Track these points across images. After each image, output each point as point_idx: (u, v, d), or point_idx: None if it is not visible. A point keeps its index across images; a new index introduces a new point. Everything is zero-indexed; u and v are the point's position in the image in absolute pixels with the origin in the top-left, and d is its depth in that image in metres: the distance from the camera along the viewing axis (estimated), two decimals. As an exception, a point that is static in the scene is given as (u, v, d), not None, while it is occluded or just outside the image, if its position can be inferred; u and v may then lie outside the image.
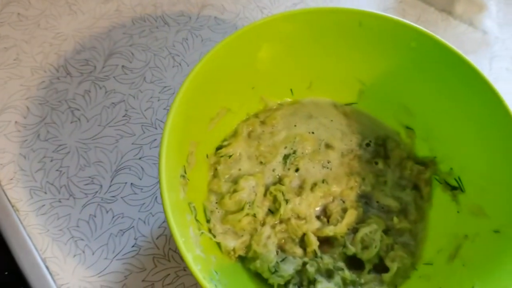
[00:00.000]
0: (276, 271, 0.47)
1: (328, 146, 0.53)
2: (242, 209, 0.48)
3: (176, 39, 0.64)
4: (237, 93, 0.52)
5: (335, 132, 0.55)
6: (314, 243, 0.48)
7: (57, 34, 0.63)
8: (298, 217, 0.49)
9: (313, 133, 0.54)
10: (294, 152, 0.53)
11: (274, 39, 0.49)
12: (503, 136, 0.46)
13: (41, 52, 0.61)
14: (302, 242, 0.49)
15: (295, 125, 0.55)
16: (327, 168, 0.52)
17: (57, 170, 0.55)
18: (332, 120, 0.55)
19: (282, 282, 0.47)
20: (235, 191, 0.49)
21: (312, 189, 0.51)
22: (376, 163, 0.53)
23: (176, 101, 0.42)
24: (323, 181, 0.51)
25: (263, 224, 0.49)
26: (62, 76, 0.60)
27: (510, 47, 0.69)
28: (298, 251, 0.49)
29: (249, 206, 0.49)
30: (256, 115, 0.55)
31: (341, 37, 0.50)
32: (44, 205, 0.53)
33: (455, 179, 0.50)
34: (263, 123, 0.55)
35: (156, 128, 0.57)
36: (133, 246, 0.51)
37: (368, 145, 0.54)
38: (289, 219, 0.49)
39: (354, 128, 0.55)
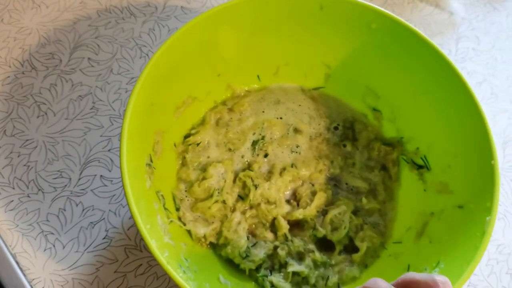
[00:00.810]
0: (247, 256, 0.47)
1: (296, 130, 0.54)
2: (211, 196, 0.48)
3: (142, 30, 0.63)
4: (203, 80, 0.52)
5: (303, 117, 0.55)
6: (284, 227, 0.49)
7: (21, 28, 0.62)
8: (268, 202, 0.50)
9: (281, 118, 0.54)
10: (263, 138, 0.53)
11: (235, 24, 0.49)
12: (465, 114, 0.47)
13: (5, 47, 0.60)
14: (273, 226, 0.50)
15: (263, 111, 0.55)
16: (296, 152, 0.53)
17: (24, 165, 0.54)
18: (300, 105, 0.56)
19: (253, 267, 0.47)
20: (204, 178, 0.49)
21: (281, 173, 0.51)
22: (345, 146, 0.54)
23: (136, 89, 0.42)
24: (292, 165, 0.52)
25: (233, 210, 0.49)
26: (27, 70, 0.59)
27: (476, 27, 0.70)
28: (269, 235, 0.49)
29: (218, 193, 0.49)
30: (223, 103, 0.55)
31: (304, 21, 0.50)
32: (12, 200, 0.52)
33: (421, 158, 0.51)
34: (231, 110, 0.55)
35: (124, 120, 0.57)
36: (104, 238, 0.51)
37: (336, 128, 0.55)
38: (259, 204, 0.49)
39: (322, 112, 0.55)
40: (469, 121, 0.46)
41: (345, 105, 0.56)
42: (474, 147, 0.45)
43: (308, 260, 0.47)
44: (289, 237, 0.49)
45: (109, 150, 0.55)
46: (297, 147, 0.53)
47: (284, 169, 0.51)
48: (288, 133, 0.54)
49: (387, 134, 0.54)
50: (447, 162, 0.48)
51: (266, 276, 0.47)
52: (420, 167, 0.51)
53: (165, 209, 0.47)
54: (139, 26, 0.63)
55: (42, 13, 0.63)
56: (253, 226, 0.50)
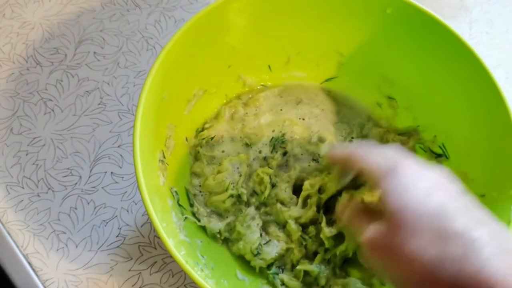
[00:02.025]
0: (258, 253, 0.46)
1: (320, 139, 0.52)
2: (226, 190, 0.47)
3: (148, 21, 0.62)
4: (213, 72, 0.50)
5: (328, 125, 0.53)
6: (295, 232, 0.47)
7: (24, 23, 0.60)
8: (282, 203, 0.48)
9: (303, 119, 0.53)
10: (283, 135, 0.51)
11: (245, 13, 0.48)
12: (485, 99, 0.45)
13: (8, 42, 0.59)
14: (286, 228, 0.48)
15: (281, 109, 0.53)
16: (317, 162, 0.50)
17: (33, 163, 0.53)
18: (323, 109, 0.54)
19: (264, 265, 0.46)
20: (218, 172, 0.48)
21: (299, 177, 0.50)
22: None
23: (146, 84, 0.40)
24: (312, 173, 0.50)
25: (248, 205, 0.48)
26: (31, 66, 0.58)
27: (489, 10, 0.68)
28: (282, 235, 0.48)
29: (233, 186, 0.48)
30: (238, 97, 0.54)
31: (316, 8, 0.49)
32: (22, 200, 0.51)
33: (439, 146, 0.50)
34: (246, 104, 0.53)
35: (133, 115, 0.55)
36: (117, 236, 0.50)
37: (350, 141, 0.53)
38: (273, 203, 0.48)
39: (342, 116, 0.54)
40: (490, 106, 0.45)
41: (360, 105, 0.55)
42: (495, 133, 0.44)
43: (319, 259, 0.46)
44: (306, 238, 0.47)
45: (119, 146, 0.54)
46: (319, 156, 0.51)
47: (303, 172, 0.50)
48: (311, 140, 0.51)
49: (403, 123, 0.53)
50: (467, 150, 0.47)
51: (277, 274, 0.46)
52: (438, 155, 0.50)
53: (179, 205, 0.46)
54: (145, 17, 0.62)
55: (45, 7, 0.61)
56: (267, 223, 0.48)
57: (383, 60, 0.52)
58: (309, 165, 0.50)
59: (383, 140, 0.52)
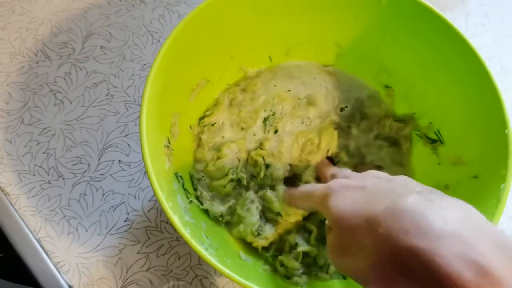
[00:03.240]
0: (259, 234, 0.48)
1: (310, 102, 0.53)
2: (226, 175, 0.49)
3: (153, 16, 0.64)
4: (216, 63, 0.52)
5: (319, 89, 0.54)
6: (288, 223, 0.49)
7: (33, 18, 0.63)
8: (273, 188, 0.50)
9: (289, 90, 0.54)
10: (273, 114, 0.53)
11: (246, 5, 0.49)
12: (479, 87, 0.47)
13: (18, 37, 0.61)
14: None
15: (274, 86, 0.55)
16: (305, 124, 0.52)
17: (44, 152, 0.55)
18: (314, 78, 0.55)
19: (266, 244, 0.48)
20: (218, 158, 0.50)
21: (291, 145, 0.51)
22: (349, 127, 0.54)
23: (151, 73, 0.42)
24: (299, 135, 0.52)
25: (247, 189, 0.50)
26: (41, 60, 0.60)
27: (485, 2, 0.69)
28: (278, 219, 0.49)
29: (233, 171, 0.50)
30: (236, 84, 0.56)
31: (314, 0, 0.50)
32: (34, 187, 0.53)
33: (435, 132, 0.51)
34: (244, 90, 0.55)
35: (139, 105, 0.58)
36: (125, 221, 0.52)
37: (342, 109, 0.54)
38: (267, 184, 0.50)
39: (337, 86, 0.55)
40: (482, 92, 0.46)
41: (360, 82, 0.56)
42: (487, 118, 0.46)
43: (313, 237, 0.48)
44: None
45: (125, 136, 0.56)
46: (308, 119, 0.52)
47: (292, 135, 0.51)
48: (299, 105, 0.53)
49: (399, 111, 0.55)
50: (461, 135, 0.49)
51: (276, 256, 0.48)
52: (433, 141, 0.51)
53: (184, 189, 0.48)
54: (150, 12, 0.64)
55: (53, 3, 0.64)
56: (264, 208, 0.50)
57: (380, 50, 0.53)
58: (298, 128, 0.52)
59: (380, 123, 0.54)
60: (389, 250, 0.29)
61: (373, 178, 0.38)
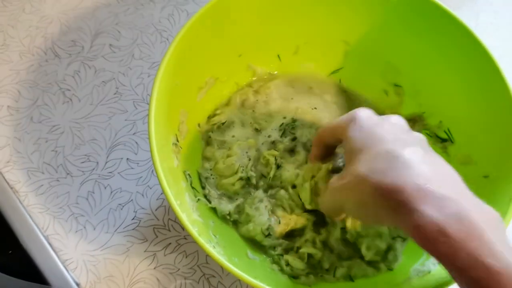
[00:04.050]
0: (270, 234, 0.47)
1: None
2: (235, 173, 0.49)
3: (162, 15, 0.64)
4: (224, 61, 0.52)
5: (337, 112, 0.55)
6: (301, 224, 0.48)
7: (42, 17, 0.63)
8: (285, 189, 0.49)
9: (315, 108, 0.55)
10: (294, 122, 0.53)
11: (254, 3, 0.49)
12: (489, 86, 0.46)
13: (28, 36, 0.62)
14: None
15: (292, 98, 0.55)
16: None
17: (52, 150, 0.55)
18: (332, 101, 0.56)
19: (276, 244, 0.47)
20: (228, 156, 0.50)
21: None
22: None
23: (160, 70, 0.42)
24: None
25: (256, 188, 0.50)
26: (50, 58, 0.60)
27: (494, 1, 0.69)
28: (290, 217, 0.49)
29: (243, 170, 0.50)
30: (249, 85, 0.56)
31: (323, -2, 0.50)
32: (42, 185, 0.53)
33: (445, 131, 0.51)
34: (256, 92, 0.55)
35: (147, 104, 0.58)
36: (133, 219, 0.52)
37: None
38: (278, 185, 0.49)
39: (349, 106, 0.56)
40: (493, 90, 0.46)
41: (366, 98, 0.57)
42: (498, 116, 0.45)
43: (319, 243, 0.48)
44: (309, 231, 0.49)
45: (134, 134, 0.56)
46: None
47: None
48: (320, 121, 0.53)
49: (408, 110, 0.54)
50: (471, 134, 0.48)
51: (282, 255, 0.47)
52: (443, 140, 0.51)
53: (192, 188, 0.48)
54: (158, 11, 0.64)
55: (62, 2, 0.64)
56: (274, 207, 0.49)
57: (388, 48, 0.53)
58: None
59: None
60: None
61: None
